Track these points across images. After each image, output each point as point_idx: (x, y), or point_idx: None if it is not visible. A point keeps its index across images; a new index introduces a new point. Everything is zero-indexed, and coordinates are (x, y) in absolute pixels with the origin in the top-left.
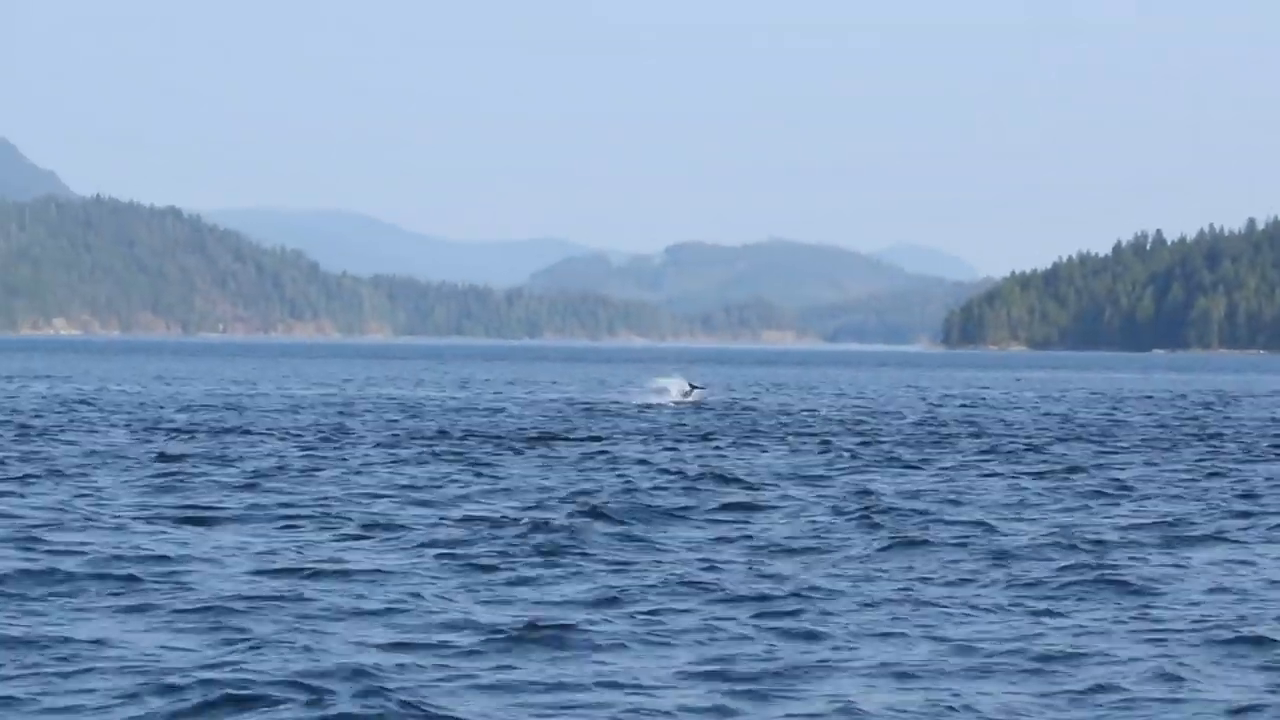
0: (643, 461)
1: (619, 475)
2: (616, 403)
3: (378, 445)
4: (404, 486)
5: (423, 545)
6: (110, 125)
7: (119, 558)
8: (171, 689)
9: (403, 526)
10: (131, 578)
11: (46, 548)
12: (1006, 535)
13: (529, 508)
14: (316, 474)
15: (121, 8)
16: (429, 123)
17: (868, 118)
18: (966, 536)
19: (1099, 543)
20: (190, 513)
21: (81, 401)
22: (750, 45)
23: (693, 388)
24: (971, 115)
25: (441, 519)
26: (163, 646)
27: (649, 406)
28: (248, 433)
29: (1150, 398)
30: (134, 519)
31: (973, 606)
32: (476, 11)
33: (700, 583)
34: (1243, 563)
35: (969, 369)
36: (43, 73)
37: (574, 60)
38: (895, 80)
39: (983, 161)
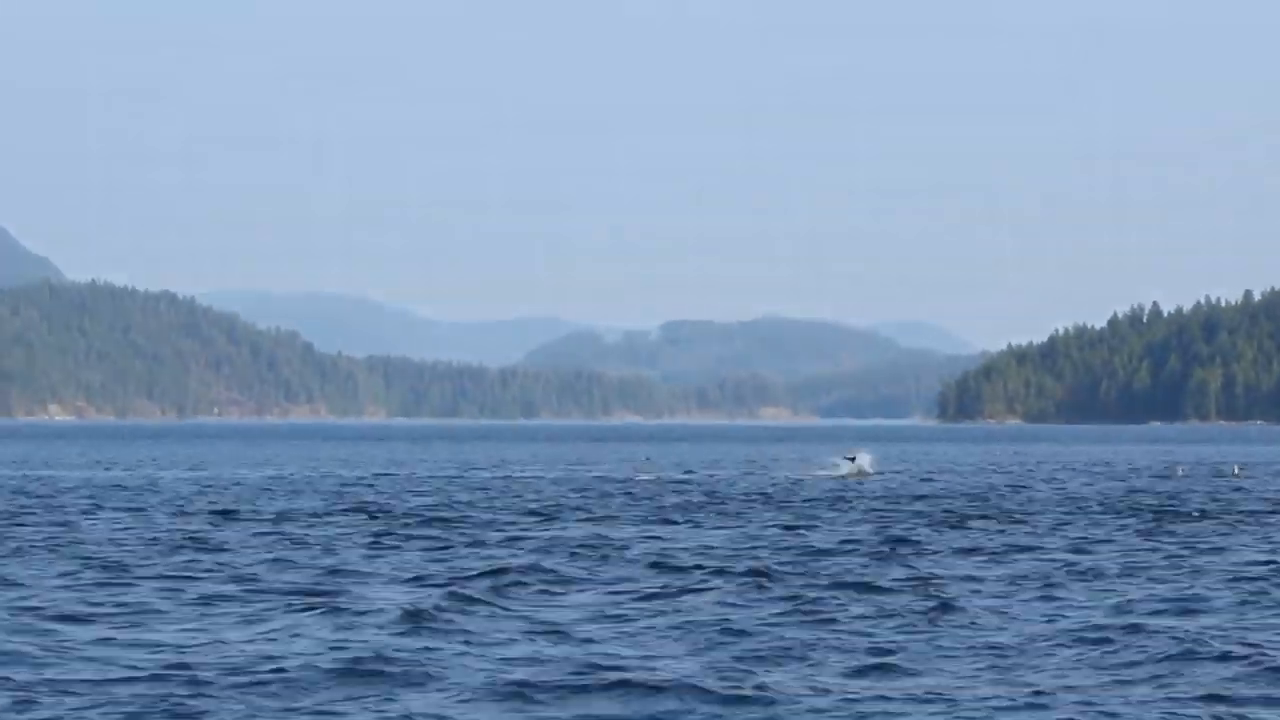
0: None
1: None
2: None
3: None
4: None
5: None
6: (103, 210)
7: None
8: None
9: None
10: None
11: None
12: None
13: None
14: None
15: (111, 91)
16: (422, 203)
17: (860, 193)
18: None
19: None
20: None
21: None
22: (741, 125)
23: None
24: (964, 190)
25: None
26: None
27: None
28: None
29: None
30: None
31: None
32: (464, 92)
33: None
34: None
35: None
36: (35, 158)
37: (564, 139)
38: (888, 156)
39: (976, 235)
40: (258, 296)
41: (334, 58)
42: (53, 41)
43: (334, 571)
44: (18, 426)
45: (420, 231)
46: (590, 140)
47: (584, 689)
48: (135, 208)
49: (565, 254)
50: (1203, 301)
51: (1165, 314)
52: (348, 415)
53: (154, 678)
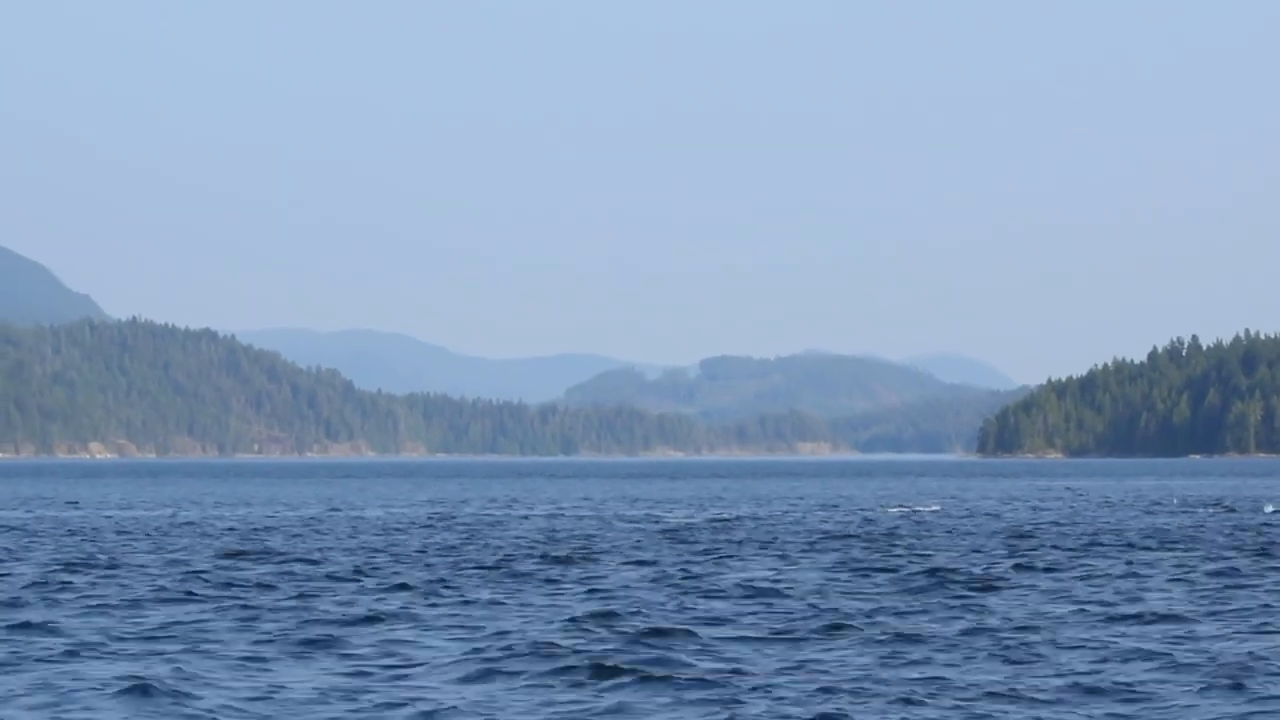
0: None
1: None
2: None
3: None
4: None
5: None
6: (144, 249)
7: None
8: None
9: None
10: None
11: None
12: None
13: None
14: None
15: (152, 133)
16: (461, 241)
17: (898, 227)
18: None
19: None
20: None
21: None
22: (777, 158)
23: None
24: (1002, 224)
25: None
26: None
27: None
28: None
29: None
30: None
31: None
32: (502, 129)
33: None
34: None
35: None
36: (76, 197)
37: (603, 177)
38: (928, 190)
39: (1015, 271)
40: (298, 334)
41: (370, 99)
42: (90, 84)
43: None
44: (94, 466)
45: (461, 269)
46: (628, 178)
47: None
48: (176, 246)
49: (604, 290)
50: (1242, 335)
51: (1205, 347)
52: (387, 452)
53: None
